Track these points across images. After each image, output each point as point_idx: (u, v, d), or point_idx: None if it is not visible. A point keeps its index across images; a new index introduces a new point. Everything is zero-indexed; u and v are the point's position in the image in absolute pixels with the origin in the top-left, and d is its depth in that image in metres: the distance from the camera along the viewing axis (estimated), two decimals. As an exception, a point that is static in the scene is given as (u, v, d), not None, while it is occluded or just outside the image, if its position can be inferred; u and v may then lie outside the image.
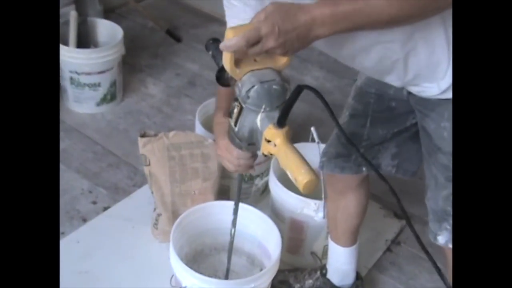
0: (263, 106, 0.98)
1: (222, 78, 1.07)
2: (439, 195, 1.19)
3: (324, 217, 1.60)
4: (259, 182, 1.88)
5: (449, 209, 1.17)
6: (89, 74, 2.20)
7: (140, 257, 1.71)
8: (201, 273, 1.36)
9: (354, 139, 1.32)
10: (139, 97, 2.43)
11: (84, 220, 1.82)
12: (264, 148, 1.00)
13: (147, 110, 2.37)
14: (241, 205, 1.57)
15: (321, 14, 0.89)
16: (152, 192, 1.72)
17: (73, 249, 1.70)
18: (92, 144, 2.14)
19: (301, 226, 1.69)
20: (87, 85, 2.22)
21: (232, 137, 1.07)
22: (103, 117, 2.29)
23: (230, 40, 0.90)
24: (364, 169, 1.38)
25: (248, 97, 0.98)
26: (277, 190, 1.70)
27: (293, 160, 0.96)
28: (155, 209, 1.74)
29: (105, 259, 1.69)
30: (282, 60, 0.98)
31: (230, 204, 1.59)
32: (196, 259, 1.60)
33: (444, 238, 1.23)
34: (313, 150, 1.77)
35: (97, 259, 1.68)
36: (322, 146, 1.50)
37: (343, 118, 1.35)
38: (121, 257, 1.70)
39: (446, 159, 1.15)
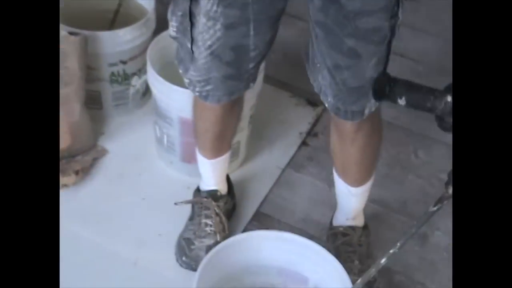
0: None
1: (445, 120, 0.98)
2: (367, 67, 1.20)
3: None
4: (136, 82, 1.81)
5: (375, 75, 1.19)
6: None
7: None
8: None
9: (239, 52, 1.26)
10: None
11: None
12: None
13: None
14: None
15: None
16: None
17: None
18: None
19: (194, 126, 1.63)
20: None
21: None
22: None
23: None
24: (252, 84, 1.36)
25: None
26: (159, 87, 1.62)
27: None
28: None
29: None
30: None
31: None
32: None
33: (370, 109, 1.28)
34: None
35: None
36: None
37: (211, 33, 1.23)
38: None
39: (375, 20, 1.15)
